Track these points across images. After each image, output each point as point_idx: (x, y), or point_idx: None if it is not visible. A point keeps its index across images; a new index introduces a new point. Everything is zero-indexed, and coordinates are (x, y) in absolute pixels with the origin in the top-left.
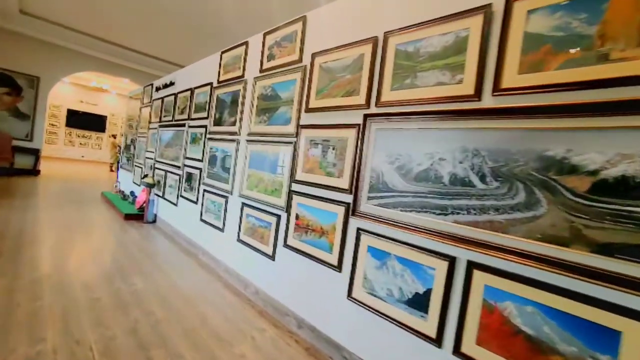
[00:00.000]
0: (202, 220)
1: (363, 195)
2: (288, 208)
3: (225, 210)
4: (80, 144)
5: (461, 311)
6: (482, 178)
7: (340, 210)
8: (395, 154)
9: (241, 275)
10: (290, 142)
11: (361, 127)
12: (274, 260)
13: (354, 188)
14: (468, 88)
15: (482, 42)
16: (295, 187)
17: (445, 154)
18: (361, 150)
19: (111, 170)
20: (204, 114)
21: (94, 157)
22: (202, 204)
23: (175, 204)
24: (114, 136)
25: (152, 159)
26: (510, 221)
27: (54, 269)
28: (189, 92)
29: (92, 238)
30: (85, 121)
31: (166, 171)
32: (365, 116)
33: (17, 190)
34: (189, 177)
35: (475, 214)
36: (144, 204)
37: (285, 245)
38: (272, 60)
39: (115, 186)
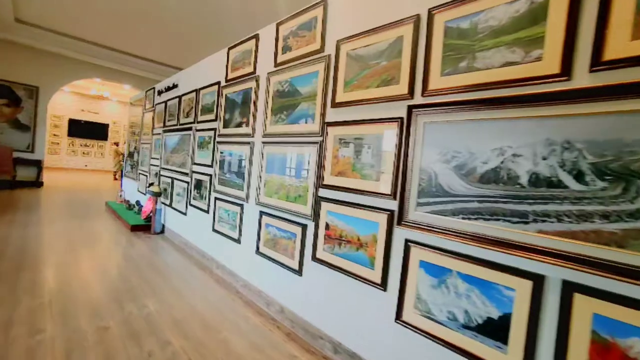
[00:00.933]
0: (214, 230)
1: (411, 201)
2: (315, 216)
3: (241, 219)
4: (83, 153)
5: (558, 345)
6: (579, 177)
7: (382, 218)
8: (451, 151)
9: (262, 292)
10: (315, 142)
11: (404, 120)
12: (300, 275)
13: (399, 193)
14: (551, 66)
15: (572, 2)
16: (324, 192)
17: (520, 148)
18: (406, 148)
19: (115, 179)
20: (212, 116)
21: (97, 165)
22: (215, 213)
23: (184, 213)
24: (117, 144)
25: (157, 166)
26: (630, 232)
27: (57, 294)
28: (194, 94)
29: (97, 254)
30: (87, 130)
31: (173, 178)
32: (410, 108)
33: (19, 203)
34: (198, 184)
35: (570, 222)
36: (151, 214)
37: (315, 258)
38: (288, 52)
39: (120, 195)
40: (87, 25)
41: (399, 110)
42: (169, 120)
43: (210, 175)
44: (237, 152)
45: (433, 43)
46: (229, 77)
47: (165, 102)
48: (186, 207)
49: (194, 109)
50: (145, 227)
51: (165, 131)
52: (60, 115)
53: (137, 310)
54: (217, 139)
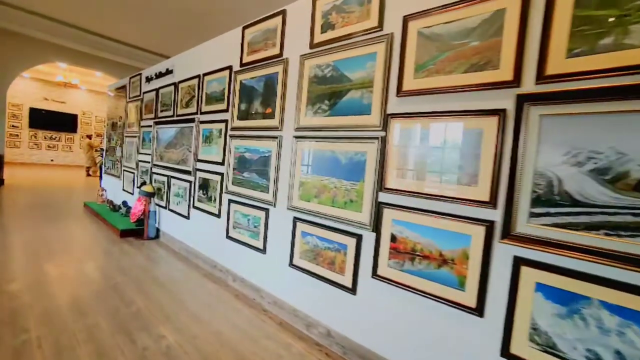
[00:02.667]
0: (229, 237)
1: (520, 210)
2: (376, 226)
3: (266, 226)
4: (48, 146)
5: None
6: None
7: (477, 230)
8: (586, 151)
9: (299, 311)
10: (374, 138)
11: (508, 113)
12: (354, 293)
13: (502, 200)
14: None
15: None
16: (387, 197)
17: None
18: (514, 146)
19: (88, 175)
20: (222, 106)
21: (65, 160)
22: (229, 218)
23: (187, 217)
24: (89, 136)
25: (147, 162)
26: None
27: (41, 325)
28: (196, 81)
29: (86, 269)
30: (52, 121)
31: (169, 177)
32: (520, 98)
33: None
34: (205, 184)
35: None
36: (142, 217)
37: (375, 275)
38: (329, 31)
39: (101, 195)
40: (54, 0)
41: (500, 100)
42: (162, 111)
43: (222, 175)
44: (259, 148)
45: (555, 16)
46: (244, 61)
47: (157, 90)
48: (189, 209)
49: (196, 98)
50: (136, 231)
51: (157, 123)
52: (18, 103)
53: (154, 344)
54: (230, 133)
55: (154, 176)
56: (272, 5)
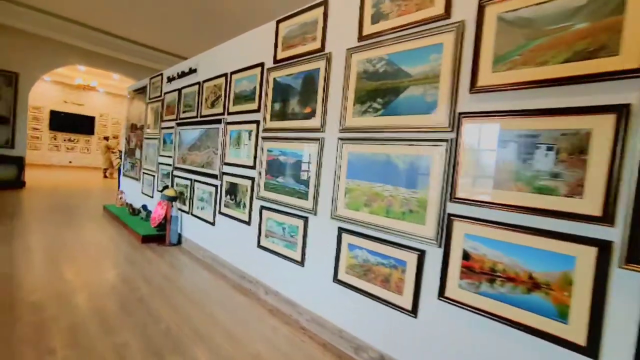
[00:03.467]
0: (261, 247)
1: None
2: (444, 241)
3: (305, 236)
4: (67, 148)
5: None
6: None
7: (586, 252)
8: None
9: (345, 332)
10: (441, 140)
11: (635, 109)
12: (414, 316)
13: (626, 216)
14: None
15: None
16: (458, 209)
17: None
18: None
19: (105, 177)
20: (252, 105)
21: (83, 162)
22: (260, 226)
23: (212, 223)
24: (107, 138)
25: (168, 165)
26: None
27: (67, 344)
28: (222, 79)
29: (109, 277)
30: (71, 123)
31: (193, 180)
32: None
33: None
34: (233, 188)
35: None
36: (163, 221)
37: (443, 297)
38: (382, 22)
39: (120, 198)
40: (74, 2)
41: (620, 94)
42: (184, 112)
43: (252, 179)
44: (297, 151)
45: None
46: (279, 57)
47: (179, 90)
48: (214, 215)
49: (222, 98)
50: (157, 237)
51: (179, 124)
52: (40, 106)
53: None
54: (262, 135)
55: (176, 179)
56: (296, 2)
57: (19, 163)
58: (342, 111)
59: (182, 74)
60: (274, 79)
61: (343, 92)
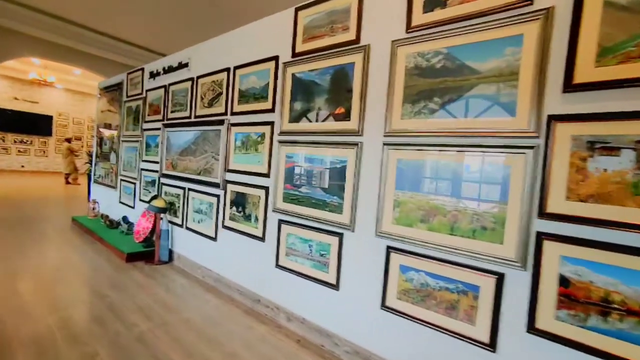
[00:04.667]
0: (280, 266)
1: None
2: (532, 264)
3: (340, 255)
4: (19, 151)
5: None
6: None
7: None
8: None
9: None
10: (524, 147)
11: None
12: (493, 350)
13: None
14: None
15: None
16: (550, 226)
17: None
18: None
19: (67, 182)
20: (264, 105)
21: (38, 166)
22: (279, 242)
23: (213, 238)
24: (69, 140)
25: (154, 171)
26: None
27: None
28: (224, 75)
29: (96, 311)
30: (23, 123)
31: (187, 189)
32: None
33: None
34: (241, 199)
35: None
36: (149, 235)
37: (534, 330)
38: (438, 10)
39: (93, 208)
40: None
41: None
42: (173, 112)
43: (266, 189)
44: (325, 158)
45: None
46: (299, 50)
47: (166, 87)
48: (216, 229)
49: (224, 96)
50: (144, 254)
51: (167, 125)
52: None
53: None
54: (279, 138)
55: (164, 188)
56: None
57: None
58: (387, 112)
59: (170, 69)
60: (293, 74)
61: (389, 90)
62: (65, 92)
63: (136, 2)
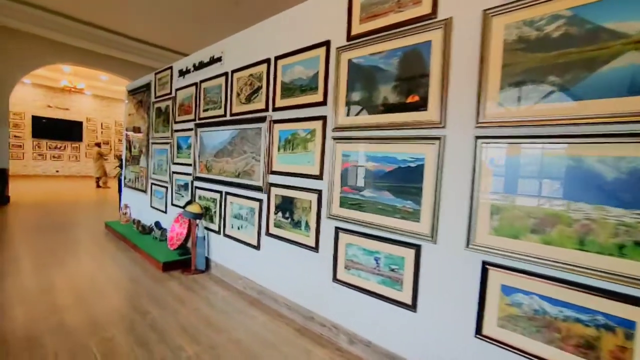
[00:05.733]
0: (338, 280)
1: None
2: None
3: (417, 270)
4: (53, 156)
5: None
6: None
7: None
8: None
9: None
10: None
11: None
12: None
13: None
14: None
15: None
16: None
17: None
18: None
19: (98, 186)
20: (314, 97)
21: (71, 170)
22: (336, 253)
23: (256, 247)
24: (99, 144)
25: (186, 174)
26: None
27: None
28: (263, 67)
29: (138, 328)
30: (56, 129)
31: (224, 193)
32: None
33: None
34: (288, 204)
35: None
36: (184, 242)
37: None
38: None
39: (125, 213)
40: None
41: None
42: (205, 110)
43: (319, 192)
44: (397, 155)
45: None
46: (355, 32)
47: (197, 84)
48: (259, 237)
49: (264, 90)
50: (180, 262)
51: (200, 125)
52: (20, 112)
53: None
54: (333, 134)
55: (198, 192)
56: None
57: (2, 176)
58: (479, 97)
59: (201, 65)
60: (350, 61)
61: (480, 72)
62: (93, 98)
63: (161, 4)
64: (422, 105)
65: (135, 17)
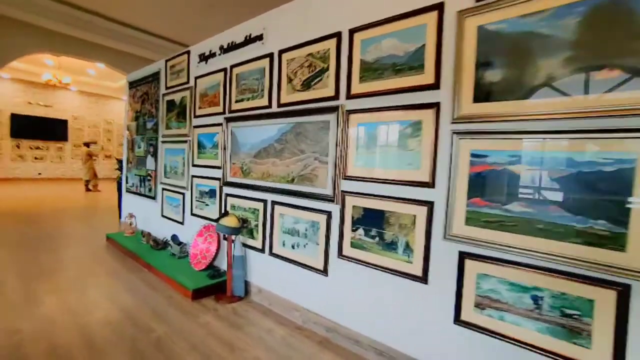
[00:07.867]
0: (463, 323)
1: None
2: None
3: (619, 322)
4: (35, 157)
5: None
6: None
7: None
8: None
9: None
10: None
11: None
12: None
13: None
14: None
15: None
16: None
17: None
18: None
19: (87, 190)
20: (420, 79)
21: (55, 173)
22: (461, 286)
23: (322, 271)
24: (88, 144)
25: (212, 178)
26: None
27: None
28: (330, 43)
29: None
30: (38, 128)
31: (269, 202)
32: None
33: None
34: (375, 218)
35: None
36: (213, 262)
37: None
38: None
39: (130, 224)
40: None
41: None
42: (239, 101)
43: (429, 205)
44: (574, 156)
45: None
46: None
47: (226, 70)
48: (326, 259)
49: (332, 73)
50: (213, 287)
51: (231, 119)
52: None
53: None
54: (455, 128)
55: (230, 200)
56: None
57: None
58: None
59: (231, 47)
60: (481, 27)
61: None
62: (80, 94)
63: None
64: (625, 81)
65: (133, 2)
